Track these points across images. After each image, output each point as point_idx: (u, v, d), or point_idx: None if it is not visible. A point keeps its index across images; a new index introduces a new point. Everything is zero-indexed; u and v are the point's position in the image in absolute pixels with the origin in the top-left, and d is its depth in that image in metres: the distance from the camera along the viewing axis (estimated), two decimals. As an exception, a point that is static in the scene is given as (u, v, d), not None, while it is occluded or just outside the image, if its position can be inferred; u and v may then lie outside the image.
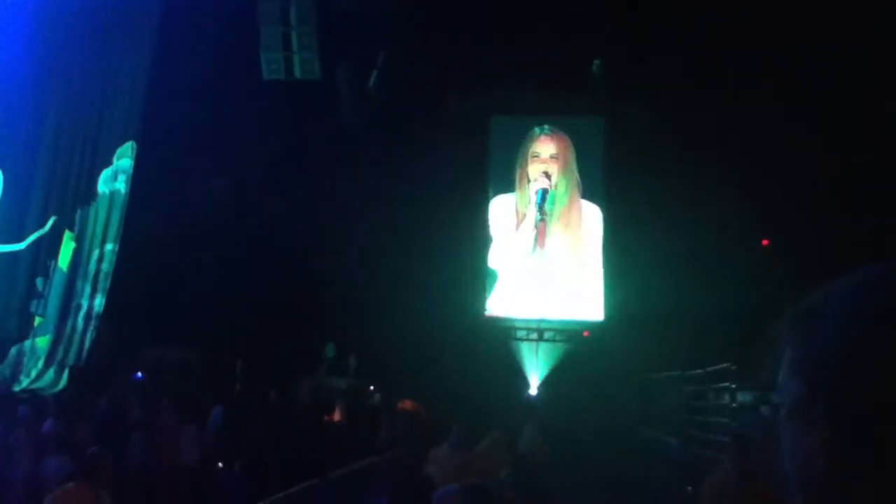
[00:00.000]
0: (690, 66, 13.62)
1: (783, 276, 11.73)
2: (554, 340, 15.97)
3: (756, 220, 14.04)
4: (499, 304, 16.10)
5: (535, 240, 16.94)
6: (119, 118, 14.14)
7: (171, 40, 13.50)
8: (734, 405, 9.81)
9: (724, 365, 10.28)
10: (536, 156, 17.32)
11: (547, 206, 17.02)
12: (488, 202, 16.93)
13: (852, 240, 10.94)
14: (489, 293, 16.16)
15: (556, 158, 17.25)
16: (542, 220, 16.94)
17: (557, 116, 16.47)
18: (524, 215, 17.24)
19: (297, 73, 13.53)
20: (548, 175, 17.00)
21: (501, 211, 17.39)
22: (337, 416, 8.50)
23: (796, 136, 13.02)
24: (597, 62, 14.94)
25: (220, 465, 7.79)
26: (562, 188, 17.27)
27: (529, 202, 17.19)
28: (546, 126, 17.20)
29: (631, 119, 14.95)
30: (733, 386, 9.92)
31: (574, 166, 17.23)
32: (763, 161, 13.62)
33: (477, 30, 14.11)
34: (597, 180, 16.40)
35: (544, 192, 16.84)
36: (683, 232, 13.92)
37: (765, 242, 14.45)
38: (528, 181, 17.26)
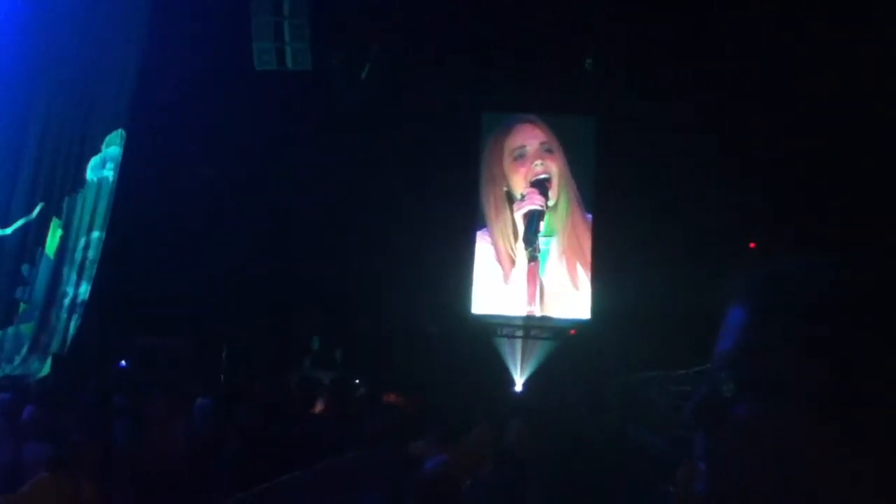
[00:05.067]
0: (683, 67, 13.64)
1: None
2: (540, 338, 15.96)
3: (745, 223, 14.09)
4: (485, 302, 16.05)
5: (527, 292, 13.81)
6: (108, 105, 14.04)
7: (161, 28, 13.42)
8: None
9: (708, 366, 10.30)
10: (521, 155, 13.93)
11: (541, 243, 13.56)
12: (479, 209, 15.08)
13: (841, 244, 10.98)
14: (475, 291, 16.03)
15: (552, 153, 14.00)
16: (534, 258, 13.85)
17: (549, 114, 15.82)
18: (510, 254, 14.13)
19: (289, 64, 13.49)
20: (542, 187, 13.52)
21: (482, 254, 14.44)
22: (322, 408, 8.45)
23: (790, 140, 13.07)
24: (588, 60, 14.93)
25: (216, 450, 7.78)
26: (562, 202, 14.10)
27: (515, 232, 13.80)
28: (531, 115, 14.68)
29: (620, 118, 14.92)
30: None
31: (569, 169, 14.46)
32: (754, 164, 13.66)
33: (470, 24, 14.07)
34: (587, 180, 15.53)
35: (538, 215, 13.65)
36: (672, 232, 13.95)
37: (752, 245, 14.49)
38: (510, 200, 13.92)
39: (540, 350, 15.80)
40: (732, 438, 0.65)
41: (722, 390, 0.68)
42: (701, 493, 0.68)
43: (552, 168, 13.97)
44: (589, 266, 14.80)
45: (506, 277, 14.34)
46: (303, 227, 14.70)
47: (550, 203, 14.00)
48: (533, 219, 13.80)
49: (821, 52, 12.21)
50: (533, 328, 15.94)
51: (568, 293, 14.64)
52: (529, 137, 14.11)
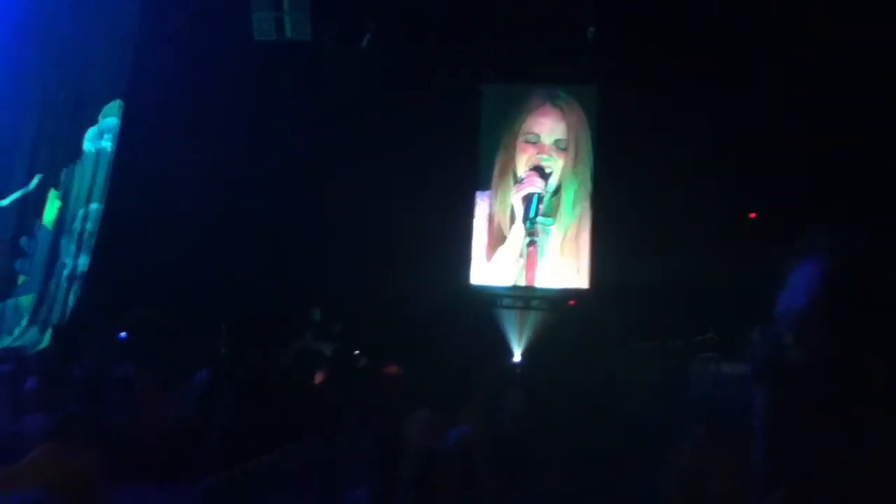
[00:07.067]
0: (686, 39, 13.48)
1: (769, 250, 11.74)
2: (539, 309, 15.91)
3: (746, 193, 14.01)
4: (483, 272, 15.79)
5: (523, 270, 13.77)
6: (106, 76, 13.95)
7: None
8: (716, 376, 9.86)
9: (708, 335, 10.32)
10: (532, 140, 13.99)
11: (540, 225, 13.64)
12: (477, 178, 14.91)
13: (839, 217, 10.95)
14: (474, 262, 15.89)
15: (565, 150, 13.86)
16: (533, 242, 13.83)
17: (551, 85, 15.39)
18: (501, 231, 14.20)
19: (289, 34, 13.36)
20: (543, 173, 13.61)
21: (480, 222, 14.43)
22: (321, 380, 8.49)
23: (790, 113, 12.96)
24: (591, 29, 14.70)
25: (205, 425, 7.81)
26: (568, 195, 13.96)
27: (512, 214, 13.98)
28: (560, 91, 14.43)
29: (621, 88, 14.73)
30: (716, 356, 9.98)
31: (589, 157, 14.15)
32: (756, 135, 13.56)
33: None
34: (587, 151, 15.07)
35: (537, 198, 13.64)
36: (672, 201, 13.88)
37: (752, 215, 14.44)
38: (514, 179, 14.13)
39: (539, 320, 15.75)
40: (795, 398, 0.62)
41: (789, 350, 0.63)
42: (757, 458, 0.64)
43: (558, 164, 13.79)
44: (589, 245, 14.74)
45: (488, 256, 14.28)
46: (302, 199, 14.64)
47: (551, 188, 13.92)
48: (532, 202, 13.77)
49: (821, 34, 12.08)
50: (532, 299, 15.89)
51: (567, 275, 14.57)
52: (548, 130, 13.87)
